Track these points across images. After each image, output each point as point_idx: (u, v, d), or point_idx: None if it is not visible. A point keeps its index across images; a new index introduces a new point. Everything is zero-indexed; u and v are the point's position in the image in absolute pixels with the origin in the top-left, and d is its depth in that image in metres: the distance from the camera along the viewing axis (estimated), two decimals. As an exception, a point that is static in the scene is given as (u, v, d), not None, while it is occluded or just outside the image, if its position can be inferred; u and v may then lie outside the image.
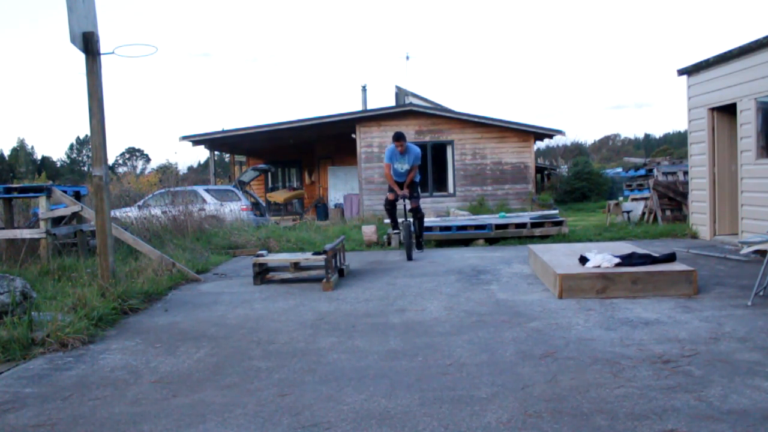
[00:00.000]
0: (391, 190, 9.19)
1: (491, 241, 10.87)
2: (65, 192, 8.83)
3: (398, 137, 8.77)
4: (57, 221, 8.93)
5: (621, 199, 18.28)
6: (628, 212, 13.33)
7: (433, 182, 17.74)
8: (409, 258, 8.76)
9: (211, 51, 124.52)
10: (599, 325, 4.68)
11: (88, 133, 6.56)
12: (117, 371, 4.02)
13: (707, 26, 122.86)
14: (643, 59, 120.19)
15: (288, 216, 19.79)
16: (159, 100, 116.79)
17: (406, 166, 9.01)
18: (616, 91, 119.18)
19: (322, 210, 19.90)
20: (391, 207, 9.36)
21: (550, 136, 19.41)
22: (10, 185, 9.71)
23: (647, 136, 71.63)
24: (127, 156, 69.85)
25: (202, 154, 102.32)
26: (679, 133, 56.89)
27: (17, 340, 4.44)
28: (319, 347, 4.39)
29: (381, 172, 17.40)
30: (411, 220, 9.17)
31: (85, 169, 60.64)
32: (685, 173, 12.07)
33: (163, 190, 13.11)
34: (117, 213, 11.28)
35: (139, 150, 70.28)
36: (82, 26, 6.03)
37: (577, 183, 24.03)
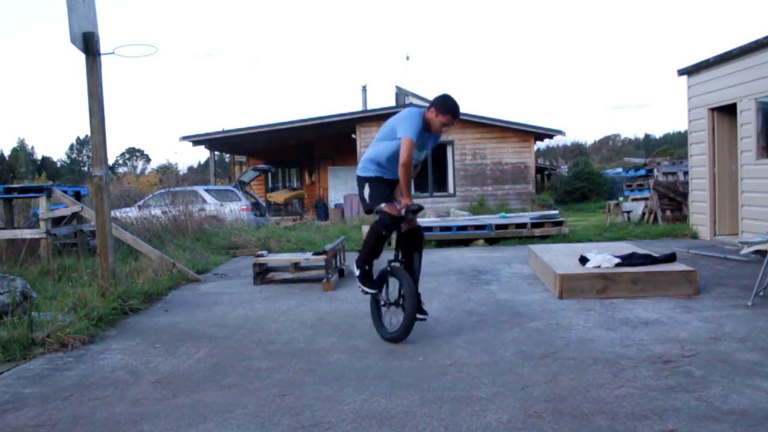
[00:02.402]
0: (383, 196, 4.55)
1: (491, 242, 10.87)
2: (65, 192, 8.83)
3: (455, 111, 4.56)
4: (57, 221, 8.93)
5: (621, 199, 18.26)
6: (628, 212, 13.33)
7: (433, 182, 17.75)
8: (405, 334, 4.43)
9: (213, 51, 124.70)
10: (599, 325, 4.67)
11: (88, 133, 6.56)
12: (117, 371, 4.02)
13: (707, 26, 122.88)
14: (643, 59, 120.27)
15: (288, 216, 19.78)
16: (159, 100, 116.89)
17: (423, 156, 4.83)
18: (616, 92, 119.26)
19: (322, 210, 19.89)
20: (389, 231, 4.53)
21: (550, 136, 19.42)
22: (11, 185, 9.71)
23: (647, 136, 71.66)
24: (127, 156, 69.86)
25: (202, 154, 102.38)
26: (679, 133, 56.91)
27: (17, 340, 4.43)
28: (319, 347, 4.39)
29: (381, 172, 17.36)
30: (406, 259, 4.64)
31: (85, 169, 60.66)
32: (685, 173, 12.07)
33: (163, 191, 13.11)
34: (117, 213, 11.27)
35: (139, 150, 70.30)
36: (83, 26, 6.04)
37: (577, 183, 24.02)
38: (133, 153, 70.01)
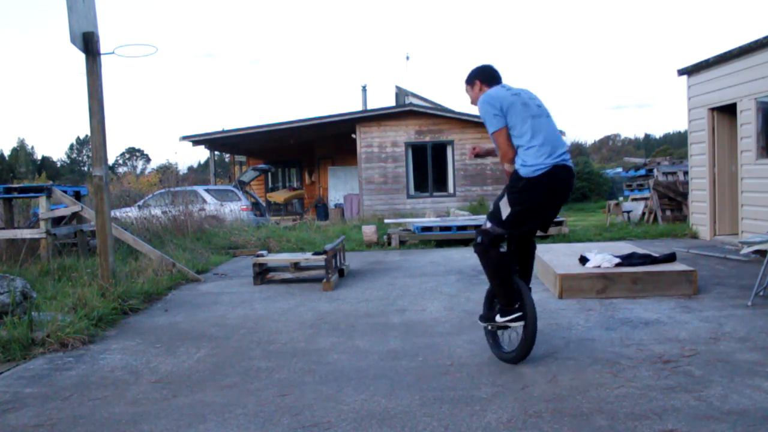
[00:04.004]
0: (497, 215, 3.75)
1: (491, 241, 10.85)
2: (65, 192, 8.83)
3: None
4: (57, 221, 8.93)
5: (621, 199, 18.27)
6: (628, 212, 13.34)
7: (433, 182, 17.74)
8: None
9: (214, 52, 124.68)
10: (599, 325, 4.67)
11: (88, 133, 6.56)
12: (117, 371, 4.02)
13: (707, 26, 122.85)
14: (643, 59, 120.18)
15: (288, 216, 19.79)
16: (159, 100, 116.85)
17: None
18: (616, 92, 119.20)
19: (322, 210, 19.89)
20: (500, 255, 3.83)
21: (551, 136, 19.37)
22: (10, 185, 9.71)
23: (647, 136, 71.64)
24: (127, 156, 69.84)
25: (202, 154, 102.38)
26: (679, 133, 56.90)
27: (17, 340, 4.44)
28: (319, 347, 4.39)
29: (381, 172, 17.41)
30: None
31: (85, 169, 60.63)
32: (685, 173, 12.07)
33: (163, 190, 13.11)
34: (117, 213, 11.28)
35: (139, 150, 70.29)
36: (83, 26, 6.04)
37: (577, 183, 24.02)
38: (133, 153, 70.00)
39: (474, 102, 3.94)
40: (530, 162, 3.60)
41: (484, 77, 3.96)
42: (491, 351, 3.97)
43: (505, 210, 3.68)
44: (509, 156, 3.70)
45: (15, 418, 3.27)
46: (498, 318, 3.79)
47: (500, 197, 3.75)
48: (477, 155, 4.20)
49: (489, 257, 3.75)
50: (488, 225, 3.76)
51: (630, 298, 5.55)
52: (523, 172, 3.61)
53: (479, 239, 3.78)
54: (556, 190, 3.69)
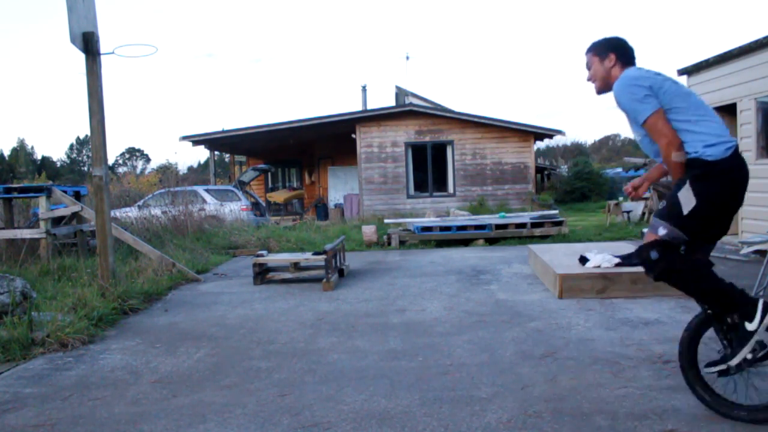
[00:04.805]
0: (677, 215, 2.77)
1: (491, 241, 10.87)
2: (65, 192, 8.83)
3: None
4: (57, 221, 8.93)
5: (621, 199, 18.27)
6: (628, 212, 13.34)
7: (433, 182, 17.75)
8: None
9: (214, 51, 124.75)
10: (599, 325, 4.67)
11: (88, 133, 6.56)
12: (117, 371, 4.02)
13: (707, 26, 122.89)
14: (643, 59, 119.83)
15: (288, 216, 19.78)
16: (159, 100, 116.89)
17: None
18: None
19: (322, 210, 19.90)
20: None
21: (550, 136, 19.39)
22: (10, 185, 9.71)
23: (647, 136, 71.54)
24: (127, 156, 69.87)
25: (202, 154, 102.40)
26: (679, 133, 56.78)
27: (17, 340, 4.44)
28: (319, 347, 4.39)
29: (381, 172, 17.41)
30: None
31: (85, 169, 60.64)
32: (685, 173, 12.05)
33: (163, 190, 13.12)
34: (117, 213, 11.28)
35: (139, 150, 70.33)
36: (82, 26, 6.04)
37: (577, 183, 24.04)
38: (133, 153, 70.03)
39: (596, 79, 3.14)
40: (714, 140, 2.78)
41: (622, 53, 3.09)
42: (710, 410, 2.87)
43: (689, 203, 2.72)
44: (677, 141, 2.81)
45: (15, 418, 3.27)
46: (748, 326, 2.83)
47: (677, 188, 2.79)
48: (653, 182, 3.29)
49: (676, 269, 2.77)
50: (662, 231, 2.77)
51: (630, 298, 5.55)
52: (710, 153, 2.77)
53: (653, 255, 2.76)
54: (746, 179, 2.93)
